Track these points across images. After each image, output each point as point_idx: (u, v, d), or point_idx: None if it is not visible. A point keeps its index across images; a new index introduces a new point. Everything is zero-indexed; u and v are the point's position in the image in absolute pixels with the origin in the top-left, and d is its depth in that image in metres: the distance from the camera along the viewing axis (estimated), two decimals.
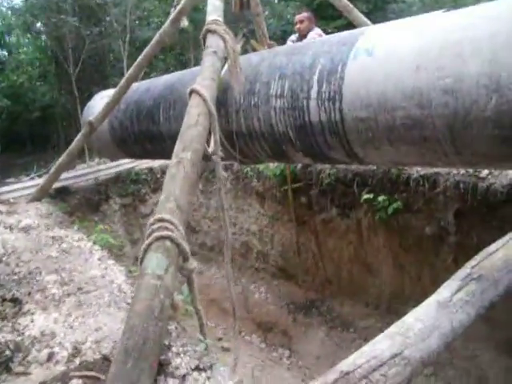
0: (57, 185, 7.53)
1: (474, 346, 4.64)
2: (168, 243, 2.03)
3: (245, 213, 7.52)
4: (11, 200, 6.21)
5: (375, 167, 5.33)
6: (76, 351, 2.10)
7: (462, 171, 4.69)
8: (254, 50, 4.59)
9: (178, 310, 2.10)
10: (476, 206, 4.51)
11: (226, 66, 3.78)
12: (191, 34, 15.67)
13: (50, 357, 2.10)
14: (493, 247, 2.20)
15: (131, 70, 5.09)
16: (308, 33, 6.14)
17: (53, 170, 6.30)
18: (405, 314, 1.78)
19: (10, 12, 19.46)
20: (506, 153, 2.64)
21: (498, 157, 2.73)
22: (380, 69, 2.96)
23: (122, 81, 5.29)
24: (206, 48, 3.57)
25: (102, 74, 18.18)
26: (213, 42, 3.55)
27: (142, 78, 6.50)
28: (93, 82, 16.64)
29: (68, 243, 4.10)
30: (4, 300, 2.83)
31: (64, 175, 8.35)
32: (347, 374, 1.47)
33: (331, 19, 12.97)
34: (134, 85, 5.49)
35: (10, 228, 4.62)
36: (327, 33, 6.27)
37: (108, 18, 16.93)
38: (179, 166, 2.33)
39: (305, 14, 6.29)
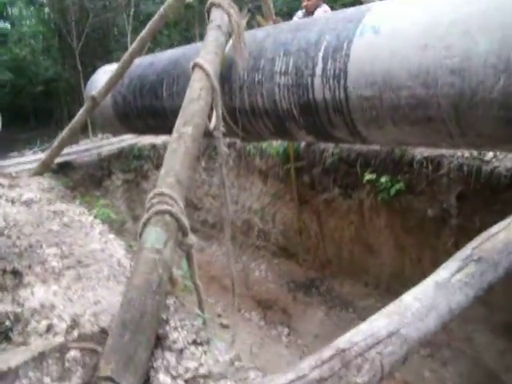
0: (59, 160, 7.53)
1: (471, 328, 4.67)
2: (167, 217, 2.01)
3: (247, 191, 7.51)
4: (13, 174, 6.21)
5: (379, 147, 5.29)
6: (74, 323, 2.11)
7: (467, 154, 4.66)
8: (260, 25, 4.53)
9: (176, 285, 2.10)
10: (479, 189, 4.48)
11: (230, 42, 3.72)
12: (197, 9, 15.45)
13: (49, 328, 2.11)
14: (495, 229, 2.18)
15: (134, 44, 5.01)
16: (315, 9, 6.04)
17: (55, 144, 6.27)
18: None
19: None
20: (510, 134, 2.61)
21: (503, 139, 2.70)
22: (386, 46, 2.91)
23: (125, 55, 5.22)
24: (210, 22, 3.51)
25: (106, 49, 17.99)
26: (217, 16, 3.49)
27: (146, 54, 6.43)
28: (96, 56, 16.48)
29: (69, 217, 4.10)
30: (5, 272, 2.84)
31: (67, 150, 8.35)
32: (343, 351, 1.48)
33: None
34: (138, 59, 5.42)
35: (12, 201, 4.62)
36: (335, 10, 6.16)
37: None
38: (180, 141, 2.31)
39: None
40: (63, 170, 8.05)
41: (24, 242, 3.40)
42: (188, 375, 1.64)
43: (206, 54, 3.09)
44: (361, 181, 5.38)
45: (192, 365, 1.69)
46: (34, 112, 21.47)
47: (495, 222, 2.24)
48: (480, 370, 4.53)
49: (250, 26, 4.38)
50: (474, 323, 4.61)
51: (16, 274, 2.79)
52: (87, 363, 1.81)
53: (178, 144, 2.28)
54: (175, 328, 1.94)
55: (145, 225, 2.01)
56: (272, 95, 3.71)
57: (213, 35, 3.35)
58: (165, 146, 8.46)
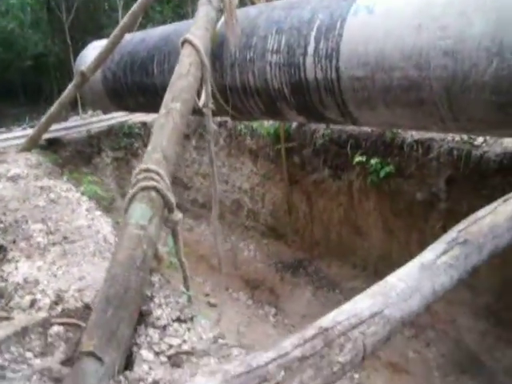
0: (48, 136, 7.43)
1: (455, 310, 4.73)
2: (153, 194, 2.00)
3: (237, 171, 7.48)
4: (0, 149, 6.12)
5: (370, 129, 5.27)
6: (58, 299, 2.10)
7: (457, 138, 4.65)
8: (253, 3, 4.45)
9: (162, 262, 2.09)
10: (468, 173, 4.49)
11: (222, 19, 3.66)
12: None
13: (33, 303, 2.10)
14: (481, 213, 2.18)
15: (125, 18, 4.92)
16: None
17: (43, 120, 6.18)
18: None
19: None
20: (502, 119, 2.60)
21: (494, 123, 2.69)
22: (380, 26, 2.87)
23: (116, 30, 5.12)
24: None
25: (97, 24, 17.63)
26: None
27: (138, 30, 6.31)
28: (87, 31, 16.14)
29: (56, 193, 4.06)
30: None
31: (56, 126, 8.23)
32: (326, 330, 1.47)
33: None
34: (129, 35, 5.33)
35: None
36: None
37: None
38: (168, 117, 2.27)
39: None
40: (52, 146, 7.94)
41: (9, 217, 3.37)
42: (171, 352, 1.64)
43: (196, 29, 3.04)
44: (351, 162, 5.37)
45: (175, 341, 1.69)
46: (23, 88, 21.07)
47: (483, 207, 2.24)
48: (462, 351, 4.61)
49: (243, 3, 4.30)
50: (458, 306, 4.67)
51: (0, 248, 2.77)
52: (70, 338, 1.80)
53: (165, 120, 2.25)
54: (159, 305, 1.93)
55: (130, 201, 1.99)
56: (263, 74, 3.67)
57: (203, 11, 3.29)
58: None
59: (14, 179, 4.55)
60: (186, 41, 2.86)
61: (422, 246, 1.97)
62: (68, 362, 1.70)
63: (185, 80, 2.54)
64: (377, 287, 1.73)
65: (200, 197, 8.41)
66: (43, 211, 3.54)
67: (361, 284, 5.69)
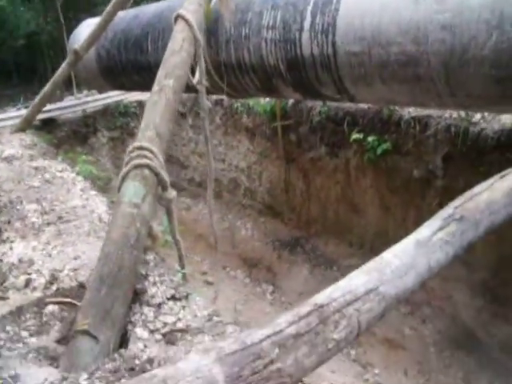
0: (43, 116, 7.37)
1: (451, 286, 4.76)
2: (146, 171, 1.97)
3: (234, 149, 7.44)
4: None
5: (367, 106, 5.22)
6: (53, 278, 2.09)
7: (455, 114, 4.61)
8: None
9: (157, 241, 2.08)
10: (465, 150, 4.47)
11: None
12: None
13: (28, 283, 2.09)
14: (477, 189, 2.16)
15: None
16: None
17: (37, 99, 6.11)
18: None
19: None
20: (500, 94, 2.56)
21: (493, 98, 2.65)
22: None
23: (109, 7, 5.02)
24: None
25: (90, 1, 17.31)
26: None
27: (132, 7, 6.18)
28: (80, 9, 15.86)
29: (51, 174, 4.04)
30: None
31: (51, 107, 8.15)
32: (321, 306, 1.47)
33: None
34: (122, 12, 5.23)
35: None
36: None
37: None
38: (161, 94, 2.23)
39: None
40: (47, 126, 7.88)
41: (4, 198, 3.35)
42: (165, 329, 1.64)
43: (189, 4, 2.98)
44: (348, 140, 5.32)
45: (170, 319, 1.69)
46: (17, 68, 20.74)
47: (479, 184, 2.23)
48: (458, 327, 4.65)
49: None
50: (455, 282, 4.70)
51: None
52: (65, 317, 1.80)
53: (158, 96, 2.21)
54: (154, 283, 1.93)
55: (123, 179, 1.96)
56: (259, 50, 3.61)
57: None
58: None
59: (8, 160, 4.52)
60: (178, 16, 2.80)
61: (419, 223, 1.95)
62: (63, 340, 1.70)
63: (178, 56, 2.49)
64: (372, 263, 1.72)
65: (197, 176, 8.38)
66: (38, 191, 3.52)
67: (357, 261, 5.69)
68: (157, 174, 1.99)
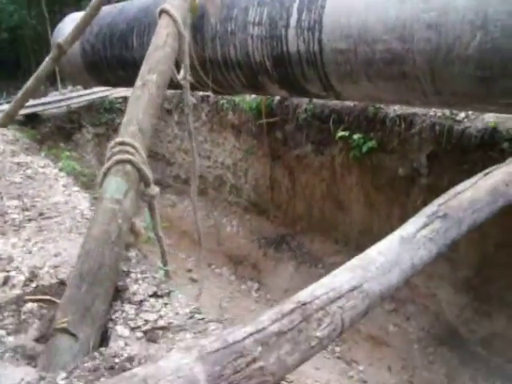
0: (27, 111, 7.26)
1: (434, 284, 4.80)
2: (128, 167, 1.94)
3: (220, 146, 7.41)
4: None
5: (352, 104, 5.23)
6: (33, 276, 2.05)
7: (439, 113, 4.64)
8: None
9: (139, 237, 2.05)
10: (450, 148, 4.50)
11: None
12: None
13: (6, 281, 2.05)
14: (461, 187, 2.18)
15: None
16: None
17: (19, 95, 6.00)
18: None
19: None
20: (484, 93, 2.58)
21: (477, 97, 2.67)
22: None
23: (94, 0, 4.94)
24: None
25: None
26: None
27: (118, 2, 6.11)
28: (66, 3, 15.69)
29: (33, 169, 3.98)
30: None
31: (35, 102, 8.05)
32: (304, 304, 1.46)
33: None
34: (108, 7, 5.16)
35: None
36: None
37: None
38: (144, 89, 2.20)
39: None
40: (31, 122, 7.79)
41: None
42: (147, 327, 1.61)
43: None
44: (333, 137, 5.33)
45: (151, 317, 1.67)
46: (0, 63, 20.50)
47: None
48: (441, 324, 4.70)
49: None
50: (438, 280, 4.73)
51: None
52: (44, 315, 1.77)
53: (141, 92, 2.18)
54: (136, 280, 1.90)
55: (105, 175, 1.93)
56: (245, 46, 3.59)
57: None
58: None
59: None
60: (163, 11, 2.76)
61: (404, 220, 1.96)
62: (42, 338, 1.67)
63: (161, 51, 2.46)
64: (356, 260, 1.72)
65: (182, 172, 8.34)
66: (19, 187, 3.46)
67: (343, 259, 5.69)
68: (139, 170, 1.96)
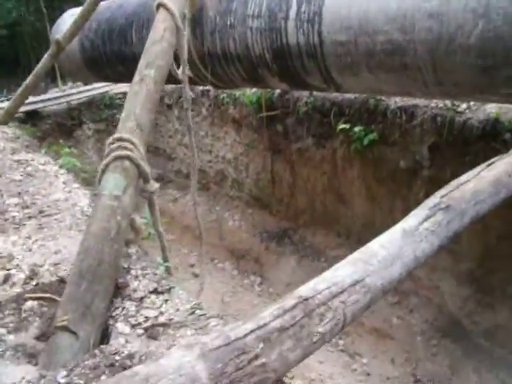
0: (27, 108, 7.25)
1: (438, 276, 4.78)
2: (127, 163, 1.92)
3: (220, 140, 7.38)
4: None
5: (353, 97, 5.20)
6: (33, 273, 2.04)
7: (441, 104, 4.60)
8: None
9: (140, 234, 2.04)
10: (451, 140, 4.47)
11: None
12: None
13: (7, 279, 2.04)
14: (464, 178, 2.16)
15: None
16: None
17: (18, 92, 5.97)
18: None
19: None
20: (487, 83, 2.55)
21: (479, 87, 2.64)
22: None
23: None
24: None
25: None
26: None
27: None
28: None
29: (33, 167, 3.97)
30: None
31: (35, 99, 8.04)
32: (306, 299, 1.44)
33: None
34: (107, 2, 5.13)
35: None
36: None
37: None
38: (141, 84, 2.18)
39: None
40: (31, 119, 7.79)
41: None
42: (147, 324, 1.60)
43: None
44: (334, 130, 5.30)
45: (152, 313, 1.66)
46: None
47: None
48: (444, 316, 4.68)
49: None
50: (442, 272, 4.72)
51: None
52: (45, 313, 1.76)
53: (139, 87, 2.16)
54: (136, 277, 1.89)
55: (103, 171, 1.92)
56: (244, 39, 3.56)
57: None
58: None
59: None
60: (160, 5, 2.73)
61: (406, 213, 1.94)
62: (43, 337, 1.66)
63: (159, 46, 2.44)
64: (358, 254, 1.70)
65: (184, 167, 8.33)
66: (19, 185, 3.45)
67: (345, 252, 5.66)
68: (138, 166, 1.94)
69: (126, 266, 1.96)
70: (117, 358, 1.43)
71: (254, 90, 6.16)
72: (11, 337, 1.65)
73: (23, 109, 6.70)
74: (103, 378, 1.33)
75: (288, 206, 6.60)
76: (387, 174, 5.10)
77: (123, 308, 1.71)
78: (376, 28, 2.75)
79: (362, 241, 1.83)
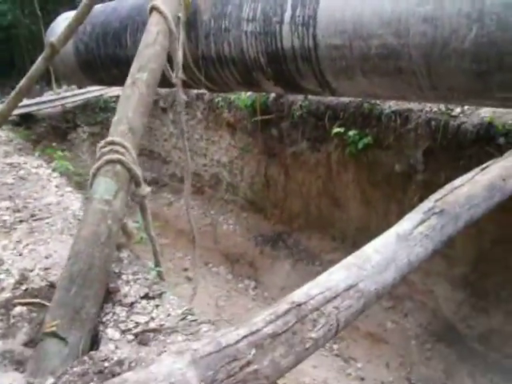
0: (21, 111, 7.22)
1: (432, 281, 4.77)
2: (118, 167, 1.90)
3: (215, 144, 7.37)
4: None
5: (348, 100, 5.20)
6: (23, 278, 2.02)
7: (435, 108, 4.61)
8: None
9: (131, 238, 2.02)
10: (446, 144, 4.47)
11: None
12: None
13: None
14: (458, 182, 2.15)
15: None
16: None
17: (12, 95, 5.93)
18: None
19: None
20: (481, 87, 2.55)
21: (473, 92, 2.64)
22: None
23: None
24: None
25: None
26: None
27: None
28: (60, 2, 15.59)
29: (26, 170, 3.94)
30: None
31: (30, 102, 8.01)
32: (299, 305, 1.42)
33: None
34: (101, 5, 5.11)
35: None
36: None
37: None
38: (134, 87, 2.16)
39: None
40: (25, 122, 7.76)
41: None
42: (138, 330, 1.58)
43: None
44: (329, 134, 5.30)
45: (142, 319, 1.63)
46: None
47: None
48: (438, 320, 4.68)
49: None
50: (436, 276, 4.71)
51: None
52: (34, 319, 1.73)
53: (131, 90, 2.14)
54: (127, 282, 1.87)
55: (94, 175, 1.90)
56: (239, 43, 3.55)
57: None
58: None
59: None
60: (153, 8, 2.72)
61: (400, 217, 1.93)
62: (31, 343, 1.63)
63: (152, 49, 2.42)
64: (352, 258, 1.68)
65: (178, 171, 8.31)
66: (11, 188, 3.42)
67: (340, 256, 5.65)
68: (129, 170, 1.92)
69: (117, 270, 1.94)
70: (106, 364, 1.40)
71: (249, 93, 6.15)
72: None
73: (18, 112, 6.66)
74: None
75: (283, 209, 6.59)
76: (382, 178, 5.10)
77: (113, 313, 1.68)
78: (370, 32, 2.74)
79: (357, 244, 1.82)
